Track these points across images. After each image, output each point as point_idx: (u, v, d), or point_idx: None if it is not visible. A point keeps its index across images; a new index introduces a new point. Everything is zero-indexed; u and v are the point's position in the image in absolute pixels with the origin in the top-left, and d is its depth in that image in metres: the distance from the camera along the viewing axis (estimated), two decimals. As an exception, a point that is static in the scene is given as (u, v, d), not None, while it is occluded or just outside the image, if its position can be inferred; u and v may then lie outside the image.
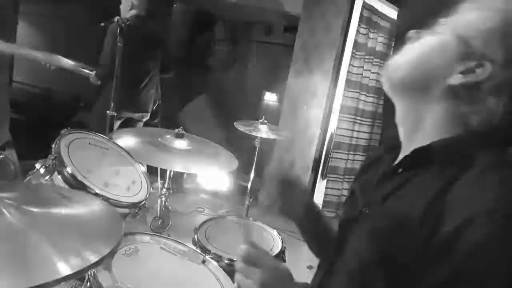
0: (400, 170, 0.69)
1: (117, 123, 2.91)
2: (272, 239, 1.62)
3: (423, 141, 0.67)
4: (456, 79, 0.64)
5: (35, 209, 0.67)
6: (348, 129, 3.64)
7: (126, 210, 1.23)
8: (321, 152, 3.62)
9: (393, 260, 0.61)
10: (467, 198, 0.57)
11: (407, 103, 0.71)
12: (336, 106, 3.60)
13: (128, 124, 2.97)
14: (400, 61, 0.72)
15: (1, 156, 1.76)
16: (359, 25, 3.42)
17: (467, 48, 0.64)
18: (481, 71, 0.62)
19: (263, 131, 2.47)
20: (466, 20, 0.67)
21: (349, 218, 0.79)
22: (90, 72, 2.85)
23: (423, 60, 0.68)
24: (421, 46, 0.70)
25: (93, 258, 0.60)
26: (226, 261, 1.34)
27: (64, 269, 0.56)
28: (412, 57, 0.70)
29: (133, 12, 2.87)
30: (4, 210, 0.62)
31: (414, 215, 0.60)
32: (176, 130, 1.58)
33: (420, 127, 0.69)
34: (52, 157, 1.15)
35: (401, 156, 0.74)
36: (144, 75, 2.98)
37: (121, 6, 2.90)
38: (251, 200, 2.63)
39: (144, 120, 3.09)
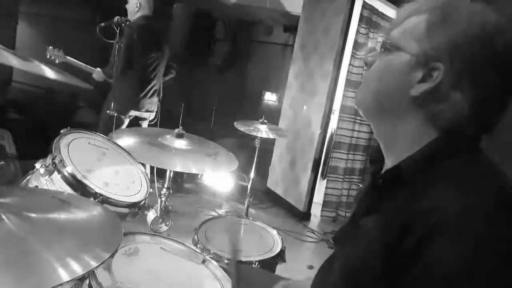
0: (380, 181, 0.72)
1: (126, 122, 2.94)
2: (272, 239, 1.62)
3: (401, 152, 0.69)
4: (417, 90, 0.66)
5: (34, 215, 0.67)
6: (348, 129, 3.64)
7: (126, 210, 1.23)
8: (321, 152, 3.62)
9: (369, 268, 0.63)
10: (429, 210, 0.57)
11: (382, 123, 0.74)
12: (336, 106, 3.60)
13: (134, 123, 3.00)
14: (364, 91, 0.75)
15: (2, 162, 1.76)
16: (359, 25, 3.42)
17: (413, 57, 0.66)
18: (436, 74, 0.64)
19: (263, 131, 2.47)
20: (402, 31, 0.69)
21: (344, 226, 0.83)
22: (93, 69, 2.88)
23: (381, 84, 0.71)
24: (375, 71, 0.72)
25: (93, 264, 0.60)
26: (226, 261, 1.34)
27: (63, 274, 0.56)
28: (372, 84, 0.73)
29: (141, 13, 2.87)
30: (3, 216, 0.62)
31: (384, 227, 0.63)
32: (176, 130, 1.58)
33: (398, 139, 0.71)
34: (52, 157, 1.15)
35: (384, 168, 0.77)
36: (153, 74, 3.01)
37: (128, 7, 2.89)
38: (251, 200, 2.63)
39: (150, 118, 3.12)
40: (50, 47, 2.79)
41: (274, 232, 1.69)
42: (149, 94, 2.99)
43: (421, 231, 0.56)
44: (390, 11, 3.66)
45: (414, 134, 0.68)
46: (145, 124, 3.10)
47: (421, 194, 0.60)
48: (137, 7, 2.85)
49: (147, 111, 3.02)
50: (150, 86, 2.98)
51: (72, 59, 2.85)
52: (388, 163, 0.74)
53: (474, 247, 0.53)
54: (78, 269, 0.58)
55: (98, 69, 2.89)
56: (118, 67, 2.64)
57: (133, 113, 2.94)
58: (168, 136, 1.57)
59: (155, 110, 3.11)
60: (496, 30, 0.62)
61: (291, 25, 4.49)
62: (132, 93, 2.89)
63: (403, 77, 0.67)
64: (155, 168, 2.50)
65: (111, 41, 2.64)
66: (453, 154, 0.64)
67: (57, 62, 2.76)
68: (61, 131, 1.27)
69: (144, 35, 2.77)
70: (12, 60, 0.86)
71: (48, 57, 2.75)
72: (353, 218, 0.77)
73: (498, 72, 0.62)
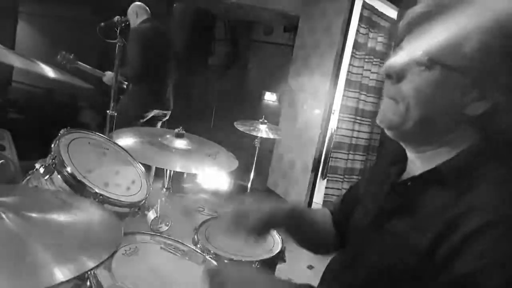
0: (409, 183, 0.69)
1: (140, 122, 2.98)
2: (272, 239, 1.62)
3: (438, 156, 0.66)
4: (475, 109, 0.60)
5: (34, 214, 0.67)
6: (348, 129, 3.64)
7: (126, 210, 1.23)
8: (321, 152, 3.62)
9: (400, 270, 0.63)
10: (475, 209, 0.56)
11: (421, 141, 0.68)
12: (336, 106, 3.60)
13: (150, 123, 3.05)
14: (403, 115, 0.65)
15: (2, 161, 1.76)
16: (359, 25, 3.42)
17: (467, 75, 0.59)
18: (494, 91, 0.59)
19: (263, 131, 2.47)
20: (451, 49, 0.59)
21: (362, 227, 0.79)
22: (103, 73, 2.92)
23: (430, 107, 0.63)
24: (417, 92, 0.63)
25: (92, 264, 0.60)
26: (226, 261, 1.34)
27: (63, 274, 0.56)
28: (416, 108, 0.63)
29: (141, 18, 3.00)
30: (3, 215, 0.62)
31: (420, 229, 0.61)
32: (176, 130, 1.58)
33: (437, 148, 0.67)
34: (51, 157, 1.15)
35: (409, 169, 0.74)
36: (168, 73, 3.11)
37: (129, 17, 2.97)
38: (251, 200, 2.63)
39: (167, 118, 3.17)
40: (63, 52, 2.82)
41: (274, 232, 1.69)
42: (168, 92, 3.08)
43: (466, 229, 0.55)
44: (390, 11, 3.66)
45: (457, 141, 0.64)
46: (158, 125, 3.15)
47: (464, 196, 0.58)
48: (136, 15, 2.99)
49: (167, 109, 3.11)
50: (167, 84, 3.07)
51: (83, 64, 2.89)
52: (417, 165, 0.70)
53: None
54: (78, 269, 0.58)
55: (109, 72, 2.91)
56: (129, 67, 2.74)
57: (156, 112, 3.01)
58: (168, 136, 1.57)
59: (171, 108, 3.19)
60: None
61: (291, 25, 4.49)
62: (154, 93, 2.99)
63: (457, 99, 0.61)
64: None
65: (111, 41, 2.65)
66: (494, 157, 0.62)
67: (68, 67, 2.80)
68: (61, 131, 1.27)
69: (153, 36, 2.91)
70: (14, 60, 0.86)
71: (59, 61, 2.77)
72: (372, 221, 0.74)
73: None
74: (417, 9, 0.65)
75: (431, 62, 0.61)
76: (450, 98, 0.61)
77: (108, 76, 2.91)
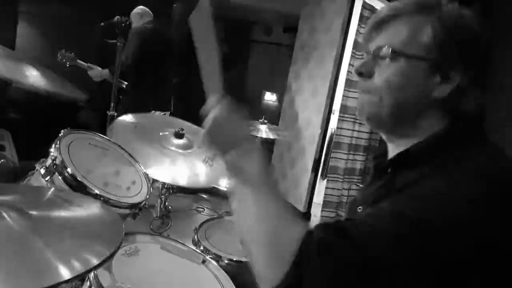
0: (389, 170, 0.75)
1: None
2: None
3: (413, 141, 0.71)
4: (441, 91, 0.68)
5: (35, 213, 0.67)
6: (348, 129, 3.64)
7: (127, 211, 1.23)
8: (321, 152, 3.62)
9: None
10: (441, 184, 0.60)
11: (398, 128, 0.74)
12: (336, 106, 3.60)
13: None
14: (377, 104, 0.72)
15: (2, 160, 1.77)
16: (359, 25, 3.42)
17: (428, 62, 0.67)
18: (453, 73, 0.66)
19: (263, 131, 2.48)
20: (403, 38, 0.69)
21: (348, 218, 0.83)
22: (91, 67, 2.92)
23: (399, 95, 0.70)
24: (386, 82, 0.70)
25: (94, 261, 0.60)
26: (226, 261, 1.34)
27: (64, 273, 0.56)
28: (387, 96, 0.70)
29: (144, 20, 3.05)
30: (4, 214, 0.62)
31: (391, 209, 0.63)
32: (176, 130, 1.58)
33: (412, 134, 0.72)
34: (52, 158, 1.15)
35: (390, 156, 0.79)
36: (168, 74, 3.17)
37: (132, 18, 3.01)
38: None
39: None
40: (62, 50, 2.83)
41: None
42: (168, 93, 3.11)
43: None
44: (390, 11, 3.66)
45: (430, 125, 0.70)
46: None
47: (430, 175, 0.62)
48: (140, 16, 3.04)
49: (167, 110, 3.12)
50: (167, 85, 3.11)
51: (83, 62, 2.90)
52: (392, 153, 0.76)
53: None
54: (79, 268, 0.58)
55: (96, 66, 2.93)
56: (128, 67, 2.76)
57: (156, 112, 3.04)
58: (168, 136, 1.57)
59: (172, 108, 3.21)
60: (479, 23, 0.67)
61: (291, 25, 4.49)
62: (154, 93, 3.02)
63: (422, 84, 0.68)
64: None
65: (111, 41, 2.66)
66: (464, 138, 0.67)
67: (67, 65, 2.81)
68: (62, 131, 1.27)
69: (152, 36, 2.95)
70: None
71: (59, 60, 2.79)
72: (360, 204, 0.80)
73: (490, 62, 0.68)
74: (380, 13, 0.74)
75: (395, 54, 0.69)
76: (417, 83, 0.69)
77: (95, 71, 2.91)
